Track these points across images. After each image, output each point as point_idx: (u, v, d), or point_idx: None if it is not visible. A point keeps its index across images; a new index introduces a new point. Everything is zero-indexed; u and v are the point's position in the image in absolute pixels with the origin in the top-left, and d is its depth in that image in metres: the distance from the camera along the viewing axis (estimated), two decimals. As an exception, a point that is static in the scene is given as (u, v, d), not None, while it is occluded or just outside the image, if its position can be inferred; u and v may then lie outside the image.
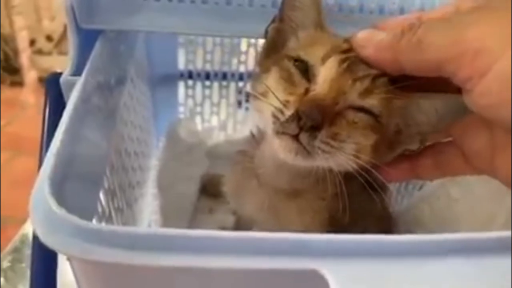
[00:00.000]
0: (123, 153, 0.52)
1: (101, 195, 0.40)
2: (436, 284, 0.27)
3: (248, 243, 0.26)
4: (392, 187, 0.69)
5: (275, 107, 0.37)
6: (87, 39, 0.45)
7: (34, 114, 2.13)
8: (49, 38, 2.22)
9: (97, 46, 0.45)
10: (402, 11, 0.50)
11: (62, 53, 2.21)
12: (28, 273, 0.63)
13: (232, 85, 0.80)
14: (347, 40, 0.40)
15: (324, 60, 0.38)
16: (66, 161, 0.31)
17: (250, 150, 0.49)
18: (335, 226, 0.44)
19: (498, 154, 0.37)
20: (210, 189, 0.76)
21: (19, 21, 2.23)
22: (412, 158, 0.43)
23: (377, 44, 0.36)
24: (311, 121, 0.34)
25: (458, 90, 0.33)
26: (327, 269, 0.26)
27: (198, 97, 0.81)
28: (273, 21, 0.44)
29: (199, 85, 0.80)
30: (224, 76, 0.79)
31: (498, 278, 0.27)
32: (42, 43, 2.23)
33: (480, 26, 0.30)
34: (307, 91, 0.37)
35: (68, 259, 0.30)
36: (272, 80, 0.40)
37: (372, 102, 0.37)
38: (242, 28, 0.47)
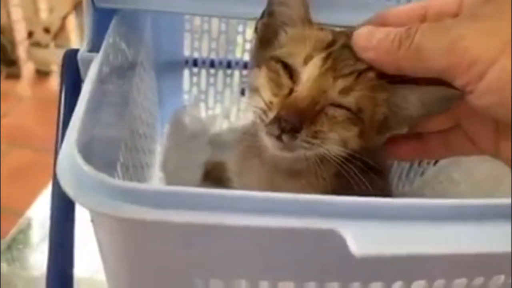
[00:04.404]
0: (135, 133, 0.53)
1: (118, 168, 0.41)
2: (450, 245, 0.28)
3: (268, 202, 0.27)
4: (393, 173, 0.71)
5: (260, 108, 0.40)
6: (102, 18, 0.46)
7: (30, 107, 2.12)
8: (46, 30, 2.22)
9: (113, 25, 0.46)
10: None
11: (60, 45, 2.21)
12: (27, 255, 0.64)
13: (236, 73, 0.81)
14: (334, 32, 0.41)
15: (306, 61, 0.40)
16: (91, 128, 0.32)
17: (254, 129, 0.50)
18: None
19: (502, 138, 0.39)
20: (213, 175, 0.77)
21: (16, 13, 2.22)
22: (422, 137, 0.44)
23: (377, 47, 0.37)
24: (290, 125, 0.37)
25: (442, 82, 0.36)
26: (345, 229, 0.27)
27: (203, 85, 0.82)
28: (262, 16, 0.44)
29: (204, 73, 0.81)
30: (229, 64, 0.80)
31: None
32: (39, 35, 2.22)
33: (470, 37, 0.33)
34: (291, 91, 0.39)
35: (92, 220, 0.31)
36: (262, 80, 0.42)
37: (350, 100, 0.39)
38: (250, 9, 0.48)
